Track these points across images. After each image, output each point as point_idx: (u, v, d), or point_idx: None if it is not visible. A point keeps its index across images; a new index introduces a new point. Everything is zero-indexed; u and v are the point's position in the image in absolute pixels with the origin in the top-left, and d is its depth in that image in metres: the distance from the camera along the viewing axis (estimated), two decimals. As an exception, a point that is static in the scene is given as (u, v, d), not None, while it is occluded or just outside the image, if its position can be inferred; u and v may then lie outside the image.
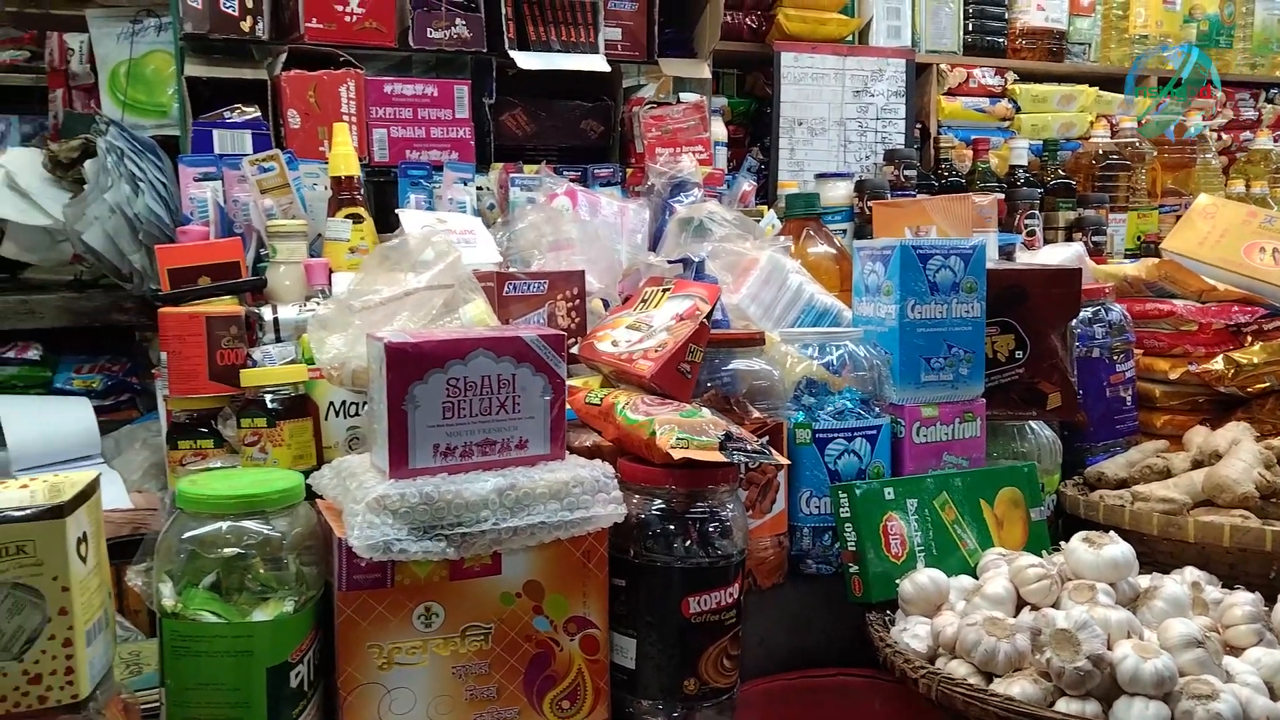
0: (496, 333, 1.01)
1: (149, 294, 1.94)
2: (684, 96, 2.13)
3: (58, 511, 0.80)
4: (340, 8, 1.78)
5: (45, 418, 1.48)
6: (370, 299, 1.06)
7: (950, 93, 2.79)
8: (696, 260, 1.43)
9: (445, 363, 0.95)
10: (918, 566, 1.22)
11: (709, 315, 1.19)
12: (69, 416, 1.43)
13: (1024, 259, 2.11)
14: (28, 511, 0.80)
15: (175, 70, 1.98)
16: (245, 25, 1.74)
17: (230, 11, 1.72)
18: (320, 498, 1.04)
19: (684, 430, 1.02)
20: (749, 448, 1.03)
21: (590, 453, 1.13)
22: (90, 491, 0.87)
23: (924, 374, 1.35)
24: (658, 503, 1.05)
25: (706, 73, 2.13)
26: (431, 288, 1.07)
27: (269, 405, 1.20)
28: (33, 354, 2.78)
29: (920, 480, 1.29)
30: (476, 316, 1.14)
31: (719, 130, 2.27)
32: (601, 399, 1.15)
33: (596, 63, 1.95)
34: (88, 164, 1.82)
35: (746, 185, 2.06)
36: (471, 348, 0.96)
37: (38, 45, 2.71)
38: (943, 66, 2.76)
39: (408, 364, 0.93)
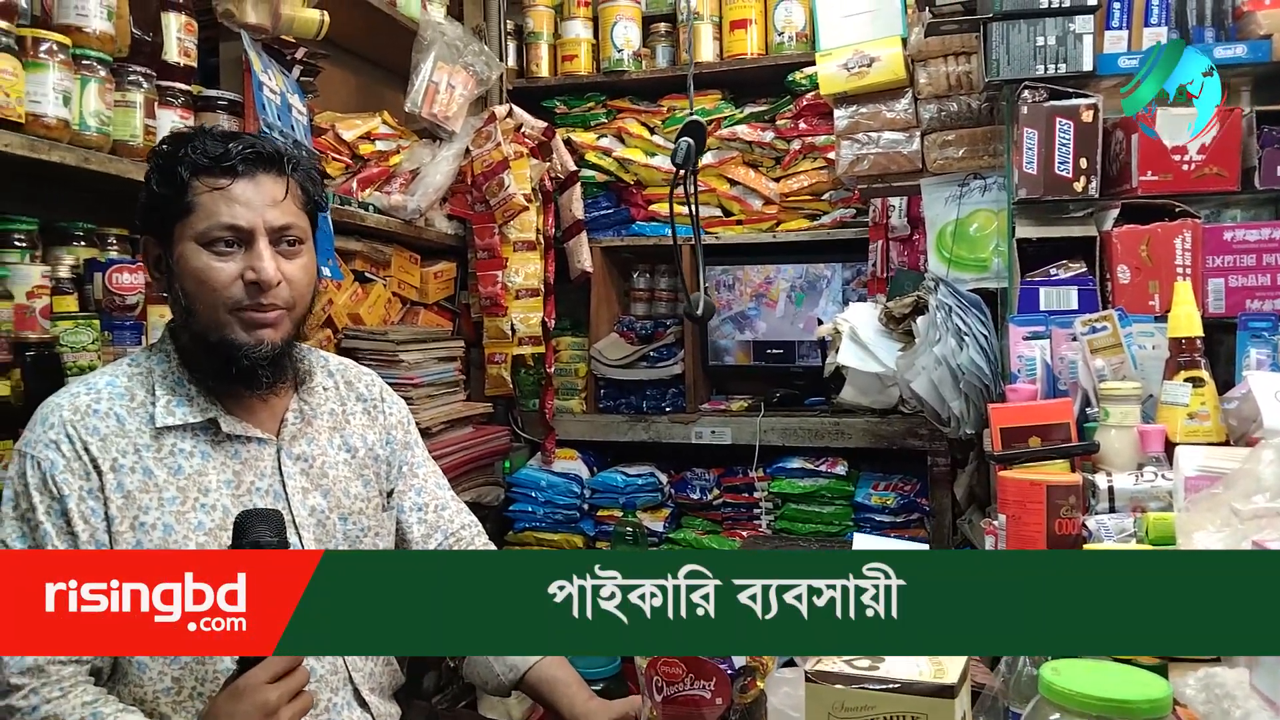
0: None
1: (963, 437, 2.07)
2: None
3: (949, 691, 0.87)
4: (1178, 157, 1.71)
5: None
6: (1258, 503, 0.97)
7: None
8: None
9: (1362, 590, 0.82)
10: None
11: None
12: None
13: None
14: (926, 686, 0.88)
15: (998, 228, 2.11)
16: (1078, 186, 1.77)
17: (1064, 174, 1.78)
18: (1180, 705, 0.97)
19: None
20: None
21: None
22: (966, 674, 0.94)
23: None
24: None
25: None
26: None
27: (1114, 586, 1.16)
28: (840, 469, 3.19)
29: None
30: (1382, 522, 0.96)
31: None
32: None
33: None
34: (919, 319, 2.02)
35: None
36: (1399, 575, 0.82)
37: (863, 204, 3.14)
38: None
39: (1313, 588, 0.83)
